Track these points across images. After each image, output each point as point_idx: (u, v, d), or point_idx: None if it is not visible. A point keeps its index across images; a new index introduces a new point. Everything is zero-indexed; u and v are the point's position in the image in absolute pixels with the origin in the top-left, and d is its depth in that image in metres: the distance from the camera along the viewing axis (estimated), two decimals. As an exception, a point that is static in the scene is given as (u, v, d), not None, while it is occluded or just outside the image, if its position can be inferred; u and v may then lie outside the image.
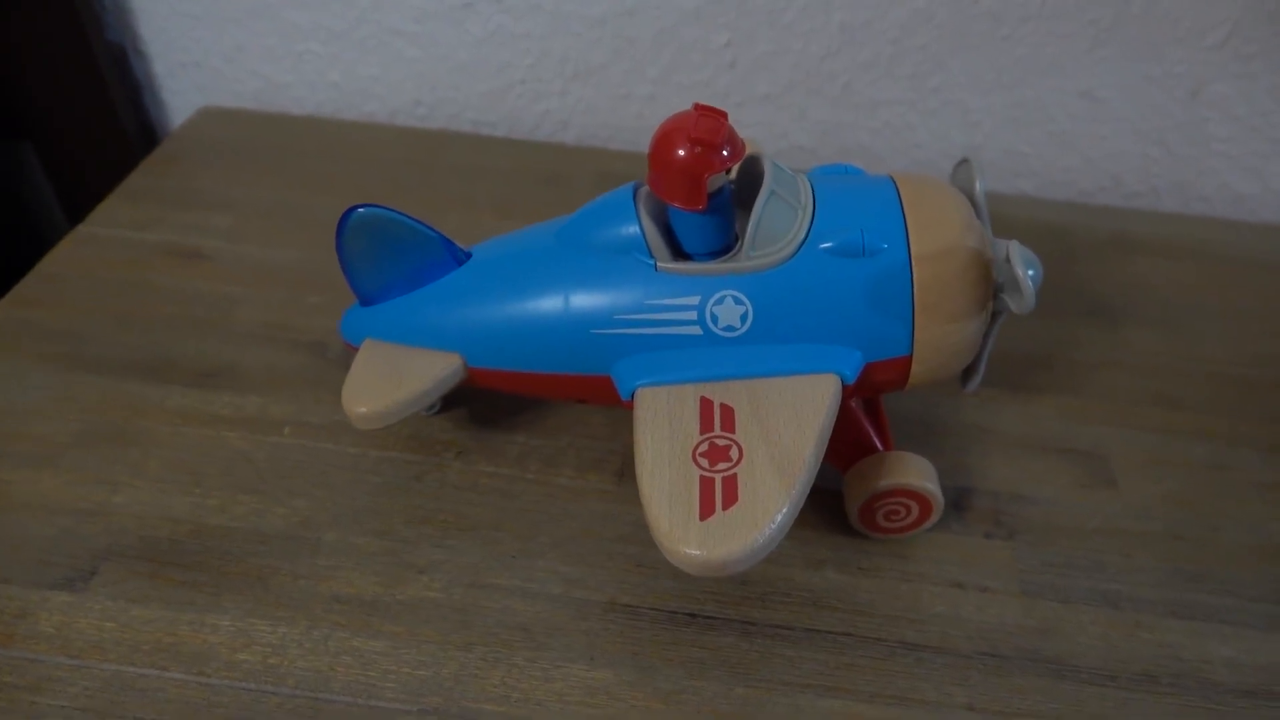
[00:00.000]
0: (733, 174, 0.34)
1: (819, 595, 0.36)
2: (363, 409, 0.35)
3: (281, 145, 0.58)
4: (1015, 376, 0.45)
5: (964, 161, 0.36)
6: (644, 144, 0.62)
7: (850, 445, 0.37)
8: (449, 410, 0.42)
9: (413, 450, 0.40)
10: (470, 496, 0.38)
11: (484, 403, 0.42)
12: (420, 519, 0.37)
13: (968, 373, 0.37)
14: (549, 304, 0.35)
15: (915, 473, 0.35)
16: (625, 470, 0.40)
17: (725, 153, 0.31)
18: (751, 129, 0.59)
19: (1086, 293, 0.50)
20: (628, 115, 0.60)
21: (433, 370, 0.36)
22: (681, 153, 0.31)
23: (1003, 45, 0.54)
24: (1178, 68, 0.54)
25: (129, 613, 0.34)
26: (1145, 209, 0.59)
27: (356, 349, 0.38)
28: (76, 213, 0.53)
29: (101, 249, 0.50)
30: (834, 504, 0.38)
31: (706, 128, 0.31)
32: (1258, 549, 0.38)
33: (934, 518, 0.36)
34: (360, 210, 0.35)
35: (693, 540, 0.28)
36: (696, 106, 0.32)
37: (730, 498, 0.29)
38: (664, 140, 0.31)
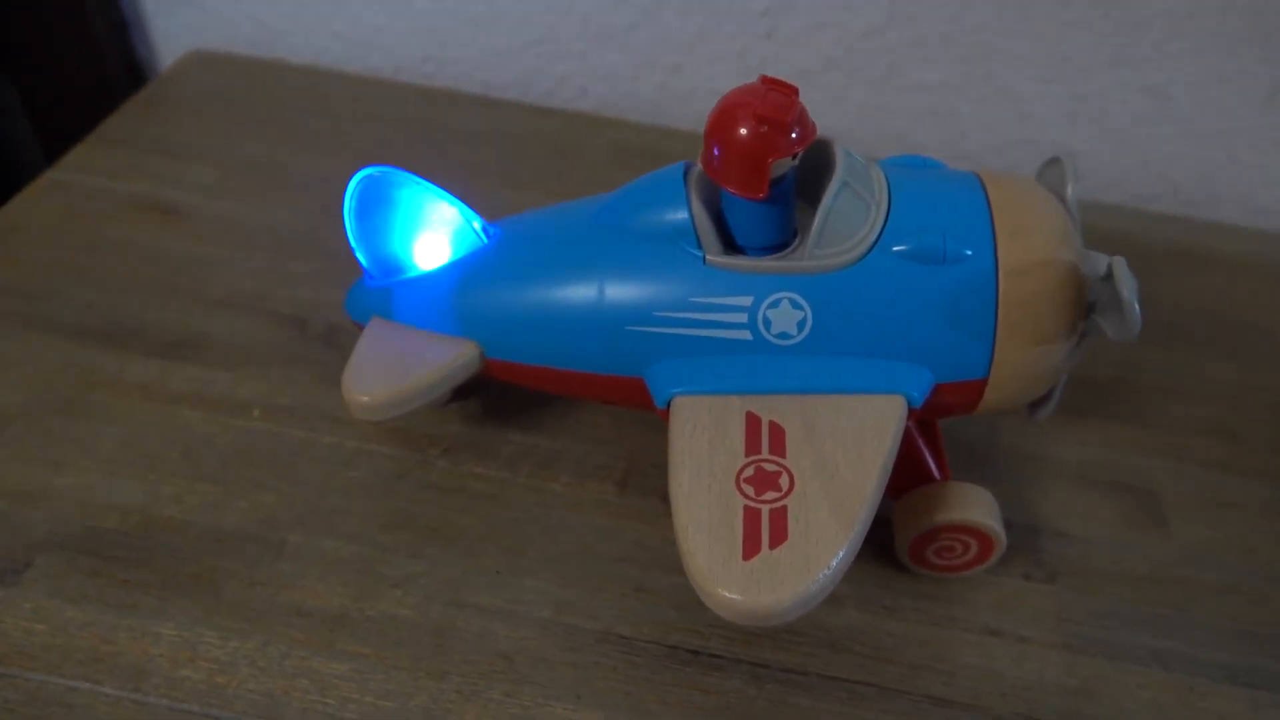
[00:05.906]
0: (796, 160, 0.30)
1: (838, 637, 0.32)
2: (365, 398, 0.31)
3: (275, 96, 0.54)
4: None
5: (1054, 160, 0.32)
6: (664, 117, 0.58)
7: (904, 470, 0.32)
8: (437, 400, 0.38)
9: (395, 444, 0.36)
10: (455, 501, 0.34)
11: (476, 393, 0.38)
12: (398, 524, 0.34)
13: (1039, 400, 0.33)
14: (581, 293, 0.30)
15: (978, 508, 0.31)
16: (629, 479, 0.36)
17: (794, 134, 0.27)
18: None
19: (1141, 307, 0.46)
20: (650, 85, 0.56)
21: (445, 359, 0.32)
22: (744, 131, 0.26)
23: (1066, 31, 0.49)
24: (1256, 67, 0.49)
25: (63, 614, 0.30)
26: (1203, 218, 0.54)
27: (362, 327, 0.34)
28: (57, 155, 0.48)
29: (69, 198, 0.46)
30: (859, 533, 0.34)
31: (775, 104, 0.27)
32: (1328, 610, 0.34)
33: (993, 559, 0.32)
34: (373, 171, 0.31)
35: (735, 582, 0.24)
36: (764, 79, 0.27)
37: (779, 535, 0.25)
38: (725, 116, 0.27)
